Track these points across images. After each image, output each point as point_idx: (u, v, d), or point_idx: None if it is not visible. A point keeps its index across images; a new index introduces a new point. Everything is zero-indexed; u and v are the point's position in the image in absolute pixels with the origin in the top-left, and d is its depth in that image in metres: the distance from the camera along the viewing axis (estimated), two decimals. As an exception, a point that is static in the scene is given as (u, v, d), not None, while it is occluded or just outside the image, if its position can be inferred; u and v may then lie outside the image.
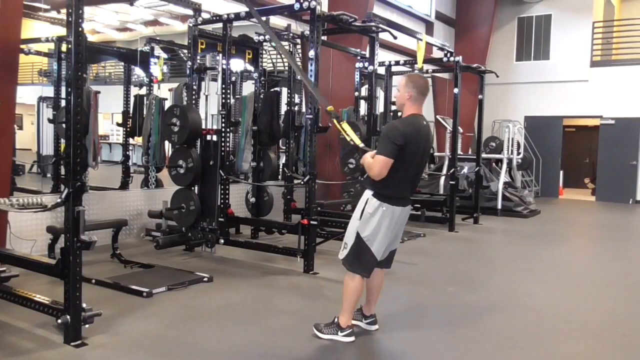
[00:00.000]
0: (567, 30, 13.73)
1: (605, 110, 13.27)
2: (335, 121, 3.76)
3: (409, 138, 3.35)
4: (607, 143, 13.31)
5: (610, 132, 13.23)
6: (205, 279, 4.87)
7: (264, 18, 7.61)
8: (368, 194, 3.49)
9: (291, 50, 7.48)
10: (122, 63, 8.12)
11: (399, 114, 3.71)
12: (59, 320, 3.34)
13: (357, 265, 3.49)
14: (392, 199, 3.43)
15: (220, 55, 6.13)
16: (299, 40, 7.65)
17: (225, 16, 5.98)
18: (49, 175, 7.62)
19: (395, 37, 6.73)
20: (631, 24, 14.27)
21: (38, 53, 7.85)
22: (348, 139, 3.69)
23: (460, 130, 9.31)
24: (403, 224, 3.61)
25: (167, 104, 6.50)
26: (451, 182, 8.49)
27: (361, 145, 3.69)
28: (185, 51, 7.29)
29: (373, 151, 3.48)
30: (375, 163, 3.33)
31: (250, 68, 7.33)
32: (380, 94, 8.90)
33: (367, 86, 7.52)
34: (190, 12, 6.46)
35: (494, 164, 11.14)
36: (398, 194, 3.47)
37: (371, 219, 3.42)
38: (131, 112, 7.49)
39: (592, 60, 13.62)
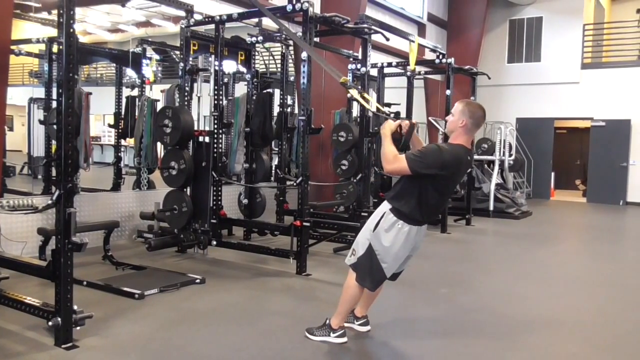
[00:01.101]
0: (558, 33, 13.82)
1: (596, 112, 13.36)
2: (351, 91, 3.62)
3: (446, 168, 3.21)
4: (597, 145, 13.40)
5: (601, 134, 13.32)
6: (198, 281, 4.85)
7: (256, 19, 7.67)
8: (386, 207, 3.36)
9: (283, 52, 7.48)
10: (114, 64, 8.08)
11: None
12: (50, 323, 3.32)
13: (368, 280, 3.39)
14: (410, 219, 3.30)
15: (213, 56, 6.12)
16: (291, 42, 7.65)
17: (218, 17, 5.98)
18: (39, 176, 7.57)
19: (387, 39, 6.74)
20: (621, 27, 14.39)
21: (29, 54, 7.81)
22: (368, 107, 3.57)
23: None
24: (418, 243, 3.47)
25: (159, 106, 6.48)
26: (443, 184, 8.49)
27: (387, 111, 3.56)
28: (178, 52, 7.28)
29: (399, 121, 3.33)
30: (397, 160, 3.18)
31: (243, 69, 7.32)
32: (372, 95, 8.91)
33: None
34: (182, 13, 6.46)
35: (486, 165, 11.19)
36: (417, 216, 3.32)
37: (386, 234, 3.30)
38: (123, 113, 7.46)
39: (583, 62, 13.71)
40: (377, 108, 3.68)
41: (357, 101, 3.56)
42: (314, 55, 4.11)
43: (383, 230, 3.31)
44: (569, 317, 4.40)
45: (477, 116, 3.32)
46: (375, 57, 7.74)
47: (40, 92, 7.29)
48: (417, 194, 3.26)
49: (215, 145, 6.02)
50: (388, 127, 3.32)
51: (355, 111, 8.57)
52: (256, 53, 7.37)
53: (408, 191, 3.29)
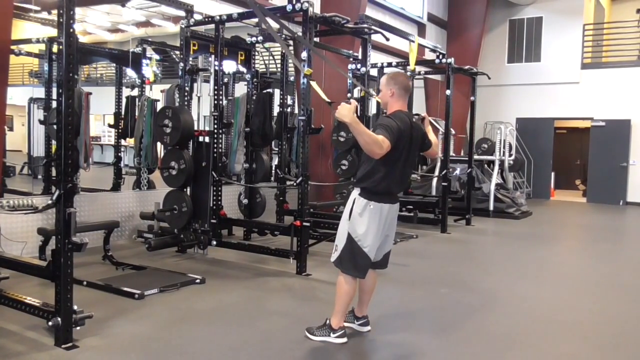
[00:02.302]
0: (558, 33, 13.82)
1: (596, 112, 13.36)
2: (312, 83, 3.70)
3: (403, 132, 3.34)
4: (597, 145, 13.40)
5: (601, 134, 13.32)
6: (198, 281, 4.85)
7: (256, 19, 7.66)
8: (355, 193, 3.48)
9: (283, 51, 7.47)
10: (114, 64, 8.08)
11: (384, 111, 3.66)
12: (50, 323, 3.32)
13: (351, 266, 3.47)
14: (379, 195, 3.42)
15: (213, 56, 6.12)
16: (291, 42, 7.65)
17: (218, 17, 5.98)
18: (39, 176, 7.57)
19: (387, 39, 6.74)
20: (621, 27, 14.39)
21: (29, 54, 7.81)
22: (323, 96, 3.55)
23: (453, 131, 9.34)
24: (393, 222, 3.58)
25: (159, 106, 6.48)
26: (443, 184, 8.52)
27: (327, 99, 3.58)
28: (178, 52, 7.27)
29: (353, 102, 3.35)
30: (384, 142, 3.16)
31: (243, 69, 7.32)
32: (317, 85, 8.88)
33: (359, 88, 7.54)
34: (182, 13, 6.46)
35: (486, 165, 11.19)
36: (386, 190, 3.44)
37: (360, 218, 3.41)
38: (123, 113, 7.46)
39: (583, 62, 13.71)
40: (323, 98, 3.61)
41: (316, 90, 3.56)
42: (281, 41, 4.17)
43: (357, 215, 3.42)
44: (568, 317, 4.40)
45: (400, 80, 3.50)
46: (375, 57, 7.74)
47: (40, 92, 7.29)
48: (383, 169, 3.37)
49: (215, 145, 6.02)
50: (347, 111, 3.09)
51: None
52: (256, 53, 7.36)
53: (374, 169, 3.40)
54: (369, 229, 3.41)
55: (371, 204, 3.40)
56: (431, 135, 3.75)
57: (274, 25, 6.03)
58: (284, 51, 5.17)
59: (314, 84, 3.60)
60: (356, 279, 3.54)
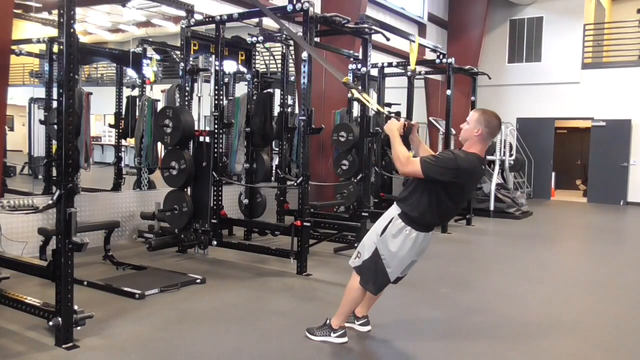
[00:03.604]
0: (559, 33, 13.81)
1: (597, 112, 13.35)
2: (354, 91, 3.61)
3: (460, 176, 3.18)
4: (598, 145, 13.39)
5: (602, 134, 13.31)
6: (198, 281, 4.85)
7: (256, 19, 7.67)
8: (394, 212, 3.34)
9: (284, 52, 7.48)
10: (114, 64, 8.08)
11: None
12: (50, 323, 3.32)
13: (370, 281, 3.39)
14: (418, 225, 3.28)
15: (213, 56, 6.12)
16: (292, 42, 7.65)
17: (218, 18, 5.98)
18: (40, 176, 7.57)
19: (388, 39, 6.74)
20: (621, 27, 14.38)
21: (29, 54, 7.80)
22: (370, 106, 3.56)
23: (453, 131, 9.33)
24: (424, 249, 3.42)
25: (160, 106, 6.49)
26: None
27: (386, 111, 3.55)
28: (178, 52, 7.28)
29: (402, 120, 3.34)
30: (411, 163, 3.15)
31: (243, 69, 7.32)
32: (373, 95, 8.91)
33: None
34: (182, 13, 6.45)
35: (486, 165, 11.18)
36: (427, 222, 3.30)
37: (393, 240, 3.28)
38: (123, 113, 7.47)
39: (584, 62, 13.70)
40: (378, 109, 3.69)
41: (359, 101, 3.56)
42: (316, 55, 4.12)
43: (390, 235, 3.29)
44: (569, 317, 4.40)
45: (492, 125, 3.27)
46: (375, 57, 7.74)
47: (40, 92, 7.30)
48: (428, 199, 3.23)
49: (215, 145, 6.01)
50: (394, 126, 3.29)
51: (356, 111, 8.57)
52: (256, 53, 7.37)
53: (419, 196, 3.26)
54: (398, 253, 3.29)
55: (407, 229, 3.26)
56: (421, 148, 3.53)
57: (275, 25, 6.04)
58: (308, 54, 5.10)
59: (355, 92, 3.53)
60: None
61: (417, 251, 3.36)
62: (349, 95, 8.62)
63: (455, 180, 3.19)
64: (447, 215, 3.50)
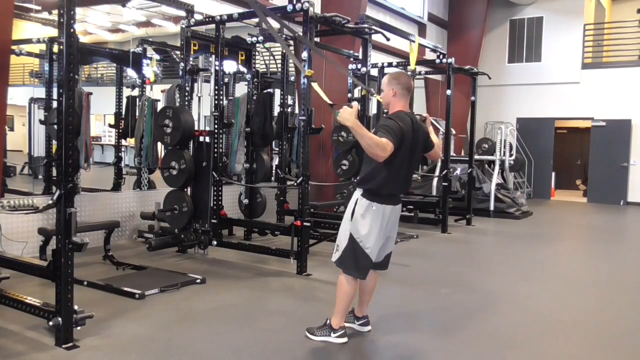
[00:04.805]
0: (559, 33, 13.82)
1: (597, 112, 13.36)
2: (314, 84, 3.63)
3: (405, 133, 3.32)
4: (598, 145, 13.40)
5: (601, 134, 13.31)
6: (198, 281, 4.85)
7: (256, 19, 7.66)
8: (357, 194, 3.47)
9: (284, 51, 7.47)
10: (115, 64, 8.08)
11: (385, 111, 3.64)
12: (51, 323, 3.32)
13: (353, 267, 3.46)
14: (382, 197, 3.40)
15: (213, 56, 6.12)
16: (292, 42, 7.65)
17: (218, 18, 5.98)
18: (40, 176, 7.56)
19: (388, 39, 6.74)
20: (621, 27, 14.39)
21: (29, 54, 7.80)
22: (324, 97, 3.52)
23: (453, 131, 9.35)
24: (395, 223, 3.57)
25: (160, 106, 6.49)
26: (444, 184, 8.51)
27: (329, 101, 3.60)
28: (178, 52, 7.28)
29: (356, 105, 3.41)
30: (387, 144, 3.16)
31: (243, 69, 7.32)
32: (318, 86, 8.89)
33: (359, 88, 7.54)
34: (182, 13, 6.46)
35: (486, 165, 11.19)
36: (388, 191, 3.43)
37: (362, 220, 3.40)
38: (123, 113, 7.47)
39: (584, 62, 13.70)
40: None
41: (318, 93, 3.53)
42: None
43: (359, 215, 3.41)
44: (569, 317, 4.40)
45: (402, 80, 3.47)
46: (375, 57, 7.74)
47: (40, 92, 7.29)
48: (385, 170, 3.34)
49: (215, 145, 6.01)
50: (349, 115, 3.09)
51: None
52: (256, 53, 7.37)
53: (376, 170, 3.36)
54: (371, 230, 3.40)
55: (373, 205, 3.39)
56: (433, 137, 3.71)
57: (275, 25, 6.04)
58: (284, 51, 5.15)
59: (315, 85, 3.58)
60: (357, 279, 3.54)
61: (388, 226, 3.48)
62: (349, 95, 8.63)
63: (402, 141, 3.30)
64: (406, 180, 3.56)
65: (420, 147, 3.58)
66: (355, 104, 3.54)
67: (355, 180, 7.15)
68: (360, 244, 3.41)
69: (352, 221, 3.44)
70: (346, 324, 3.65)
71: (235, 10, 6.87)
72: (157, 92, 6.99)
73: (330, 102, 3.67)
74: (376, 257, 3.52)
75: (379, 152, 3.14)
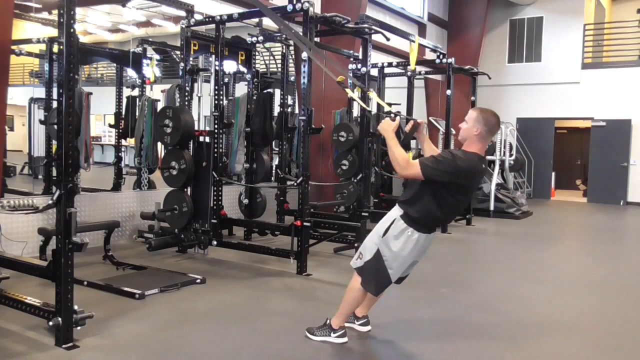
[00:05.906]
0: (559, 33, 13.81)
1: (597, 112, 13.35)
2: (347, 90, 3.61)
3: (460, 176, 3.17)
4: (598, 145, 13.39)
5: (602, 134, 13.31)
6: (198, 281, 4.85)
7: (256, 19, 7.67)
8: (396, 212, 3.33)
9: (284, 52, 7.48)
10: (115, 64, 8.09)
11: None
12: (50, 323, 3.32)
13: (371, 282, 3.39)
14: (421, 226, 3.27)
15: (213, 56, 6.12)
16: (291, 42, 7.65)
17: (218, 17, 5.98)
18: (40, 176, 7.57)
19: (388, 39, 6.74)
20: (621, 27, 14.38)
21: (29, 54, 7.81)
22: (364, 105, 3.51)
23: (453, 131, 9.34)
24: (426, 250, 3.44)
25: (160, 106, 6.48)
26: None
27: (388, 108, 3.55)
28: (178, 52, 7.28)
29: (397, 120, 3.29)
30: (410, 166, 3.13)
31: (243, 69, 7.32)
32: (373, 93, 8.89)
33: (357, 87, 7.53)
34: (182, 13, 6.45)
35: (486, 164, 11.18)
36: (429, 223, 3.30)
37: (394, 241, 3.28)
38: (123, 113, 7.47)
39: (584, 62, 13.70)
40: (379, 104, 3.68)
41: (354, 100, 3.55)
42: (314, 57, 4.12)
43: (392, 236, 3.29)
44: (569, 317, 4.40)
45: (491, 124, 3.25)
46: (375, 57, 7.74)
47: (40, 92, 7.30)
48: (430, 201, 3.22)
49: (215, 145, 6.01)
50: (389, 127, 3.26)
51: (356, 111, 8.57)
52: (256, 53, 7.37)
53: (420, 197, 3.24)
54: (400, 253, 3.29)
55: (409, 230, 3.25)
56: (427, 145, 3.55)
57: (274, 25, 6.04)
58: (308, 55, 5.08)
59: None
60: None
61: (418, 252, 3.37)
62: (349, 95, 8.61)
63: (455, 181, 3.18)
64: (448, 216, 3.49)
65: (472, 190, 3.51)
66: (398, 118, 3.35)
67: (355, 180, 7.16)
68: (385, 263, 3.31)
69: (384, 238, 3.31)
70: (346, 324, 3.64)
71: (235, 10, 6.86)
72: (157, 92, 6.99)
73: (394, 112, 3.48)
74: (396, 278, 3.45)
75: (397, 167, 3.18)
